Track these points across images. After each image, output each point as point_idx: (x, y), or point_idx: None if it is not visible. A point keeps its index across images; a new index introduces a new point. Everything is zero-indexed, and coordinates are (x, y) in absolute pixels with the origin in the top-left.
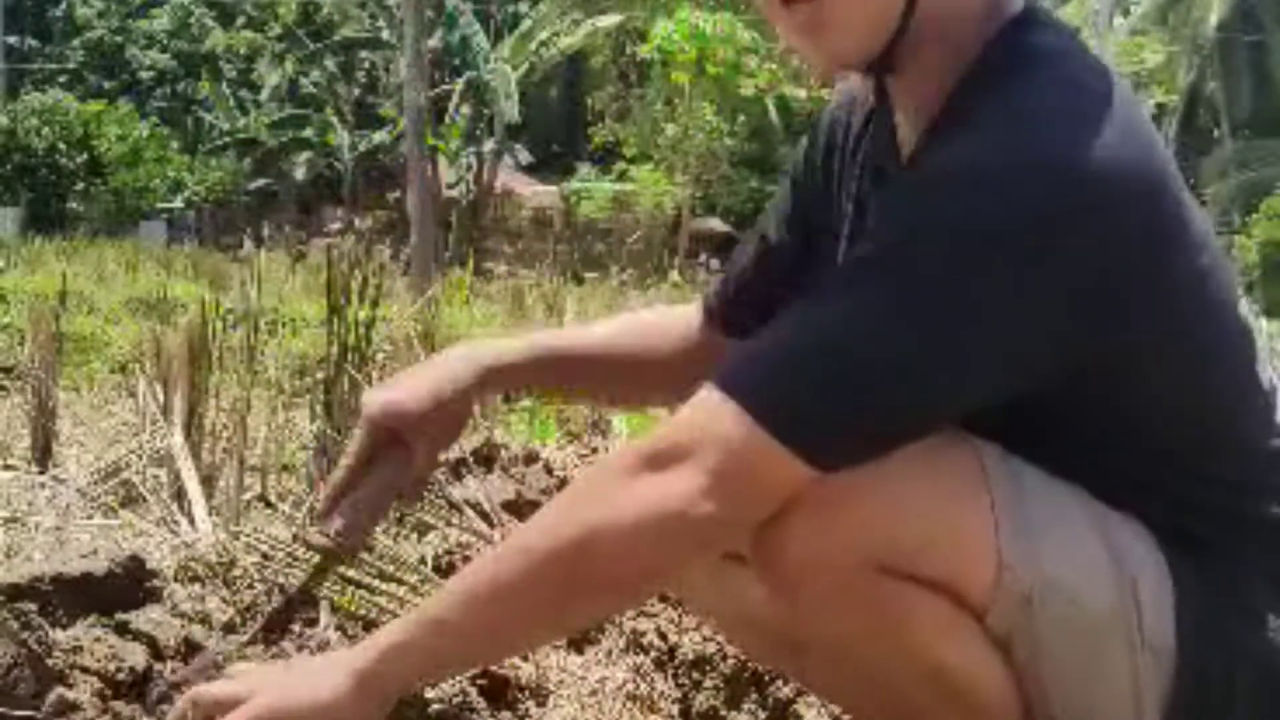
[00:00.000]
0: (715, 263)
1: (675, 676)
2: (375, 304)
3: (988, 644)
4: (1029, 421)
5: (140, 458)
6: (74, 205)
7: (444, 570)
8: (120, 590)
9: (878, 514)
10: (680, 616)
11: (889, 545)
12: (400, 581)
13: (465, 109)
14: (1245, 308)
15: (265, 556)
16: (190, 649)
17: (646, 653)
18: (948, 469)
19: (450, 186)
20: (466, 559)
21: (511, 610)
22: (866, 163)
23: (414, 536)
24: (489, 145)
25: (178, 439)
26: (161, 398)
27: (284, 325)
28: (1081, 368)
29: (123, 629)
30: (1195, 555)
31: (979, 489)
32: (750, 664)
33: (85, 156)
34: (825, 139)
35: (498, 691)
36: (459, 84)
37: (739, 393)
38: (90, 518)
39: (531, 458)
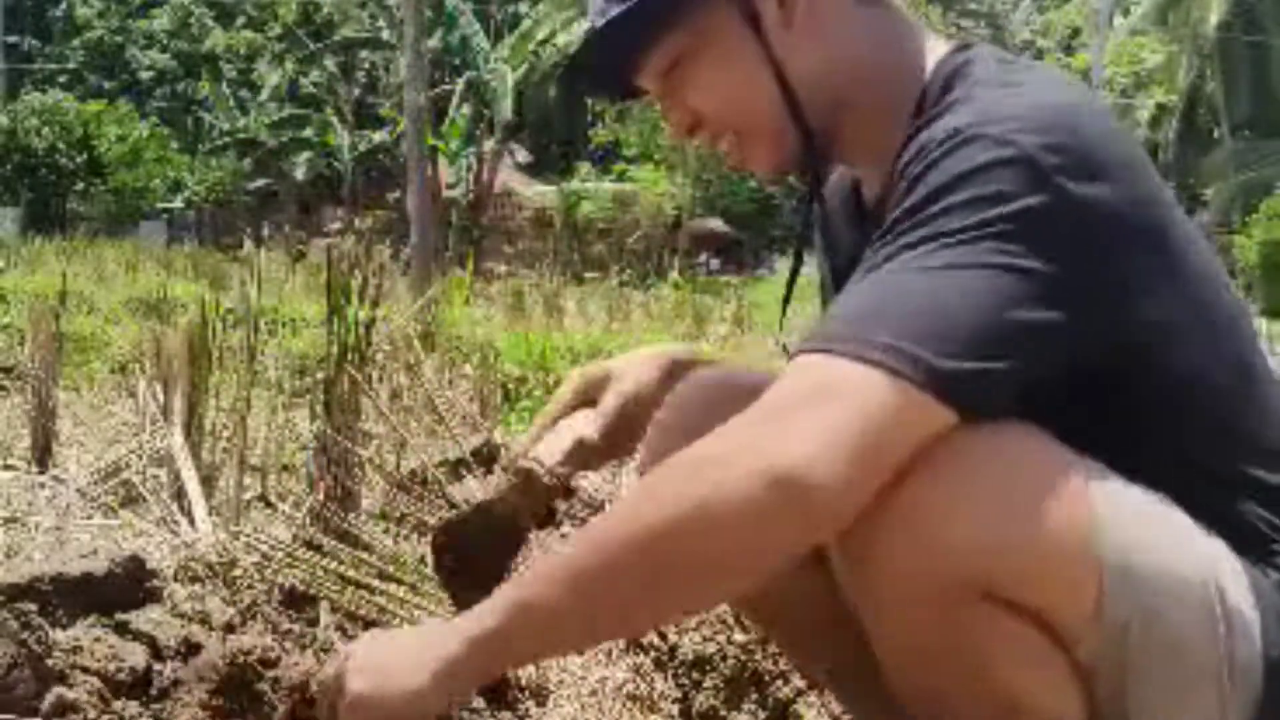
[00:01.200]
0: (715, 263)
1: (675, 676)
2: (375, 304)
3: (1072, 678)
4: (1089, 429)
5: (140, 458)
6: (74, 205)
7: None
8: (120, 590)
9: (986, 535)
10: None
11: (992, 568)
12: (400, 581)
13: (465, 109)
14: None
15: (265, 556)
16: (190, 649)
17: (646, 653)
18: (1057, 491)
19: (450, 186)
20: None
21: (614, 593)
22: (839, 230)
23: (414, 536)
24: (489, 145)
25: (178, 439)
26: (161, 398)
27: (284, 325)
28: (1120, 344)
29: (123, 629)
30: (1256, 559)
31: (1087, 514)
32: (750, 664)
33: (85, 156)
34: (822, 222)
35: (498, 691)
36: (459, 84)
37: (852, 348)
38: (90, 518)
39: None
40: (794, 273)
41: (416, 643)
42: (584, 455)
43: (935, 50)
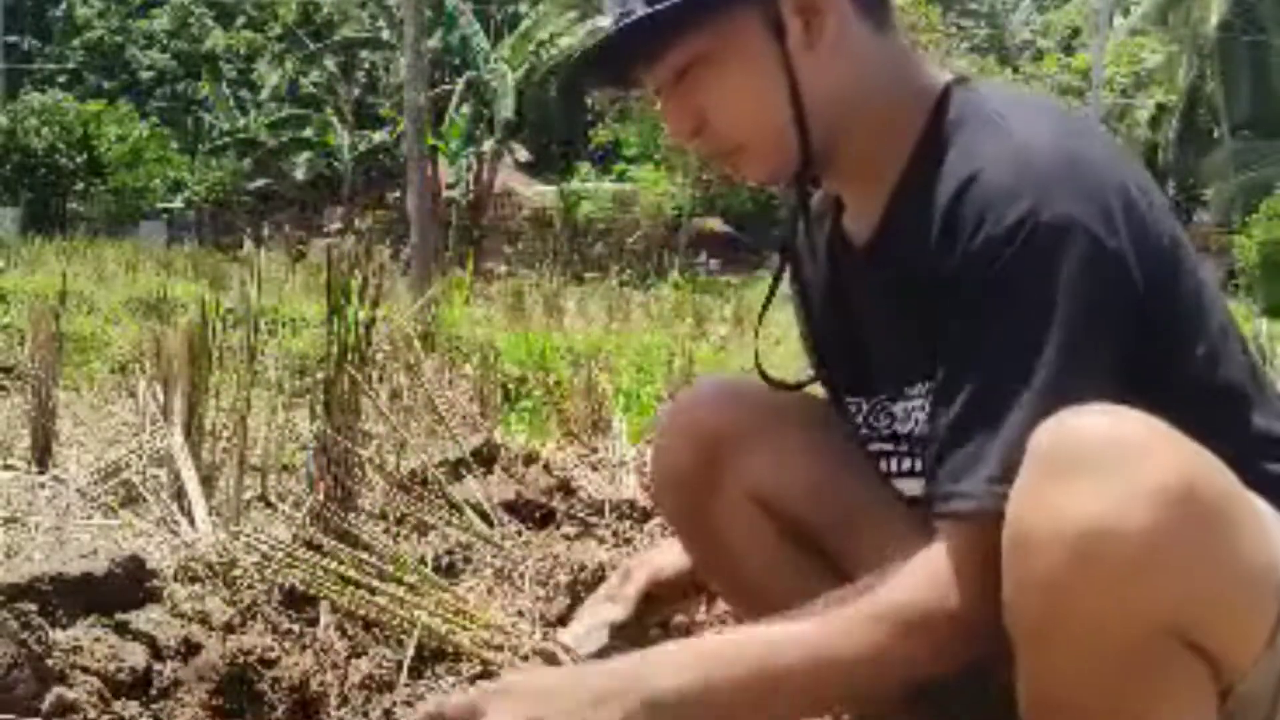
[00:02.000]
0: (715, 263)
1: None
2: (375, 304)
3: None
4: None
5: (140, 458)
6: (74, 205)
7: (444, 570)
8: (120, 590)
9: (1203, 572)
10: None
11: (1199, 608)
12: (400, 581)
13: (465, 109)
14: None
15: (265, 556)
16: (190, 649)
17: None
18: (1251, 519)
19: (450, 186)
20: (466, 559)
21: (788, 697)
22: (817, 252)
23: (414, 536)
24: (489, 145)
25: (178, 439)
26: (161, 398)
27: (284, 325)
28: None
29: (123, 629)
30: None
31: (1267, 545)
32: None
33: (85, 156)
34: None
35: None
36: (459, 84)
37: (980, 506)
38: (90, 518)
39: (531, 458)
40: (774, 284)
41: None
42: (613, 634)
43: (935, 80)
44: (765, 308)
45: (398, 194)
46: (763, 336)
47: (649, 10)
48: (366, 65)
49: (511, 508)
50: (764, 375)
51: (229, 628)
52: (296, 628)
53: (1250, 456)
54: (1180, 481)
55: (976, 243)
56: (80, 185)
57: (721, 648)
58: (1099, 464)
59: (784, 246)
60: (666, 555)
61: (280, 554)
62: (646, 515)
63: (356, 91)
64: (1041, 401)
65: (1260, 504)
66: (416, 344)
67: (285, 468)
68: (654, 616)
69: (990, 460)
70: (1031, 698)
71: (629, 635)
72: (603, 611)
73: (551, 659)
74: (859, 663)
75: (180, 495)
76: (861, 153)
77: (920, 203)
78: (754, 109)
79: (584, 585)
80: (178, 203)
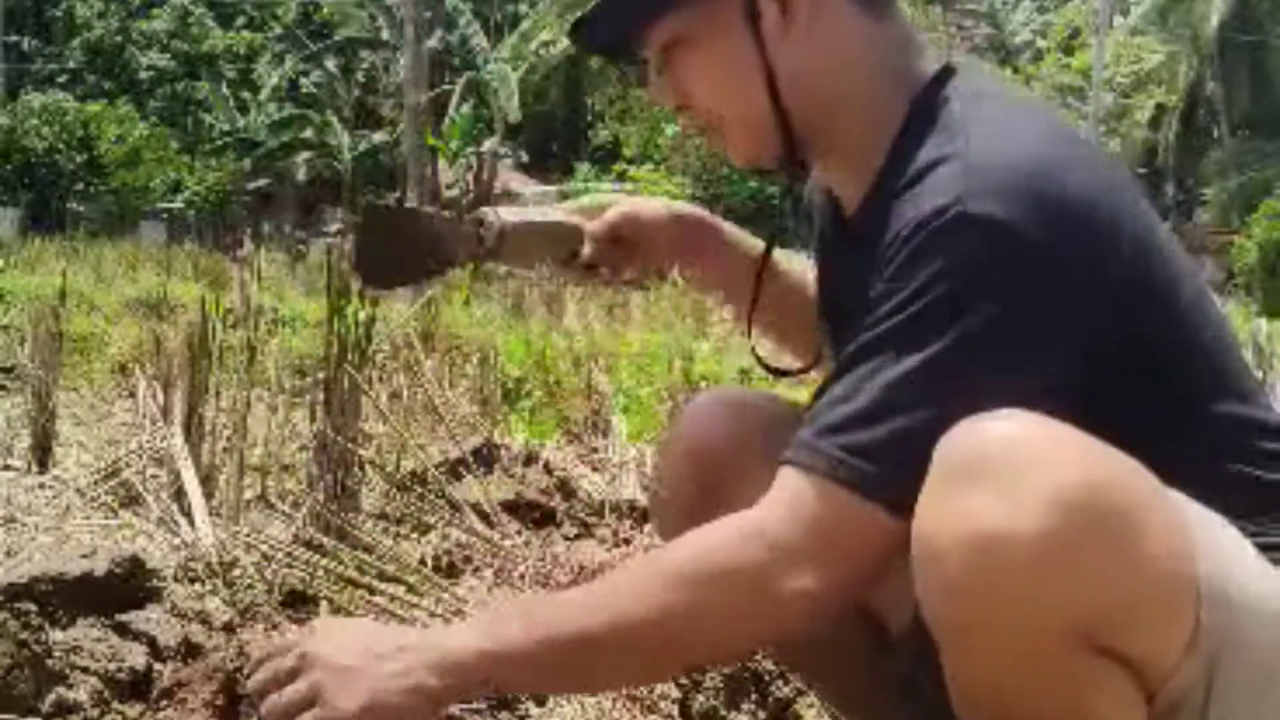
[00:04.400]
0: None
1: (675, 676)
2: (375, 304)
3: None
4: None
5: (140, 458)
6: (74, 205)
7: (444, 570)
8: (120, 590)
9: (1103, 575)
10: None
11: (1105, 610)
12: (400, 581)
13: (465, 109)
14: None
15: (265, 556)
16: (190, 649)
17: None
18: (1163, 523)
19: (450, 186)
20: (466, 559)
21: (591, 664)
22: (828, 229)
23: (414, 536)
24: (489, 145)
25: (178, 439)
26: (161, 398)
27: (284, 325)
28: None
29: (123, 629)
30: None
31: (1188, 544)
32: (750, 664)
33: (85, 156)
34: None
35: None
36: (459, 84)
37: (815, 466)
38: (90, 518)
39: (531, 458)
40: (759, 276)
41: (392, 668)
42: (556, 234)
43: (927, 69)
44: (755, 299)
45: (398, 194)
46: (762, 339)
47: None
48: (366, 65)
49: (511, 508)
50: (762, 363)
51: (229, 628)
52: (296, 628)
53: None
54: (1079, 485)
55: (903, 225)
56: (80, 185)
57: (530, 612)
58: (998, 470)
59: (772, 237)
60: (651, 202)
61: (280, 554)
62: (646, 515)
63: (356, 91)
64: (920, 387)
65: (1191, 511)
66: (416, 344)
67: (285, 468)
68: (608, 258)
69: (844, 429)
70: (959, 702)
71: (571, 240)
72: (564, 215)
73: (478, 223)
74: (652, 626)
75: (180, 495)
76: (847, 138)
77: (890, 190)
78: (731, 91)
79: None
80: (178, 203)
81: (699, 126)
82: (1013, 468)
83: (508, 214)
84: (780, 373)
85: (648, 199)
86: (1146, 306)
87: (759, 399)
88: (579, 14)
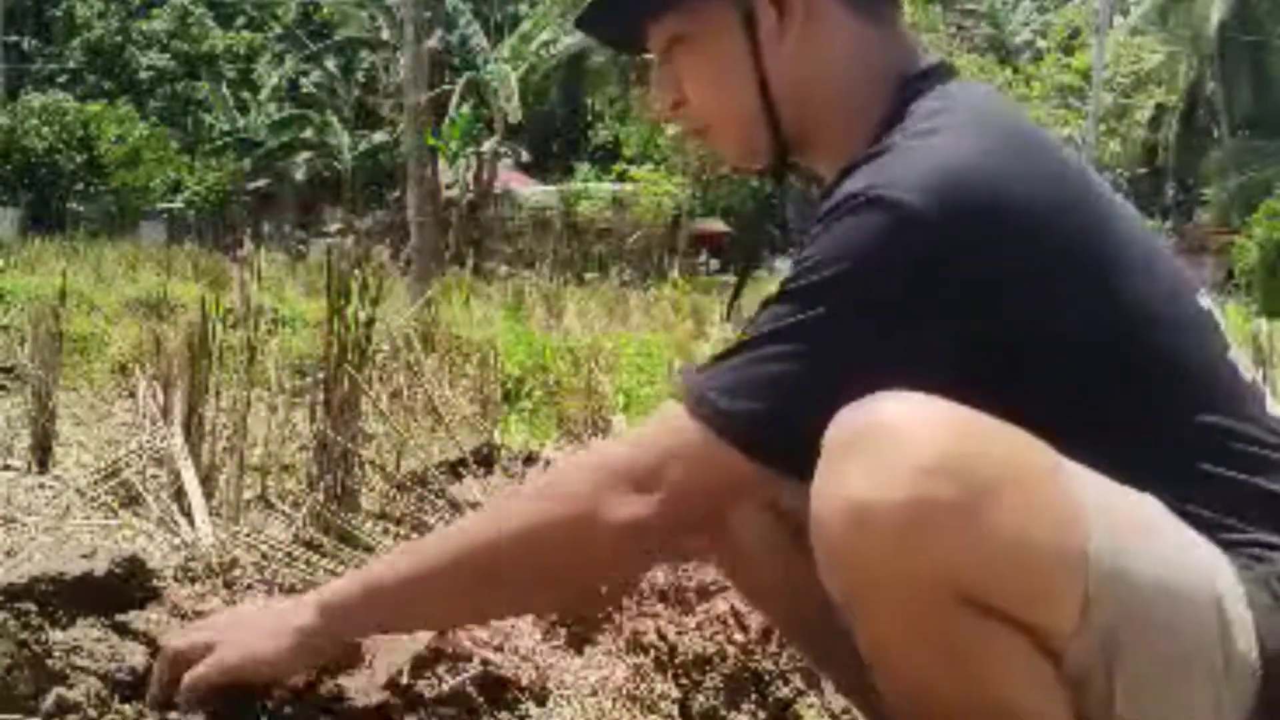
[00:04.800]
0: (715, 263)
1: (675, 676)
2: (375, 304)
3: (1059, 685)
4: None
5: (140, 458)
6: (74, 205)
7: None
8: (120, 590)
9: (973, 541)
10: (680, 616)
11: (978, 576)
12: None
13: (465, 109)
14: (1208, 303)
15: (265, 556)
16: None
17: (646, 653)
18: (1046, 495)
19: (450, 186)
20: None
21: (448, 592)
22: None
23: (414, 536)
24: (489, 145)
25: (177, 439)
26: (161, 398)
27: (284, 325)
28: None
29: (123, 629)
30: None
31: (1076, 517)
32: (750, 664)
33: (85, 156)
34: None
35: (497, 692)
36: (459, 84)
37: (685, 400)
38: (90, 518)
39: (531, 458)
40: (742, 275)
41: (275, 616)
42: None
43: (911, 70)
44: (734, 298)
45: (398, 194)
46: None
47: None
48: (366, 65)
49: None
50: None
51: None
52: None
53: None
54: (947, 455)
55: (828, 205)
56: (80, 185)
57: (396, 554)
58: (874, 444)
59: (744, 270)
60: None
61: (280, 554)
62: None
63: (356, 91)
64: (795, 345)
65: (1097, 488)
66: (416, 344)
67: (285, 468)
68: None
69: (717, 371)
70: (871, 665)
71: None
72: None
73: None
74: (508, 551)
75: (180, 495)
76: (836, 141)
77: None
78: (723, 94)
79: None
80: (178, 203)
81: (693, 127)
82: (885, 441)
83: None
84: None
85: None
86: (1081, 310)
87: None
88: (584, 5)
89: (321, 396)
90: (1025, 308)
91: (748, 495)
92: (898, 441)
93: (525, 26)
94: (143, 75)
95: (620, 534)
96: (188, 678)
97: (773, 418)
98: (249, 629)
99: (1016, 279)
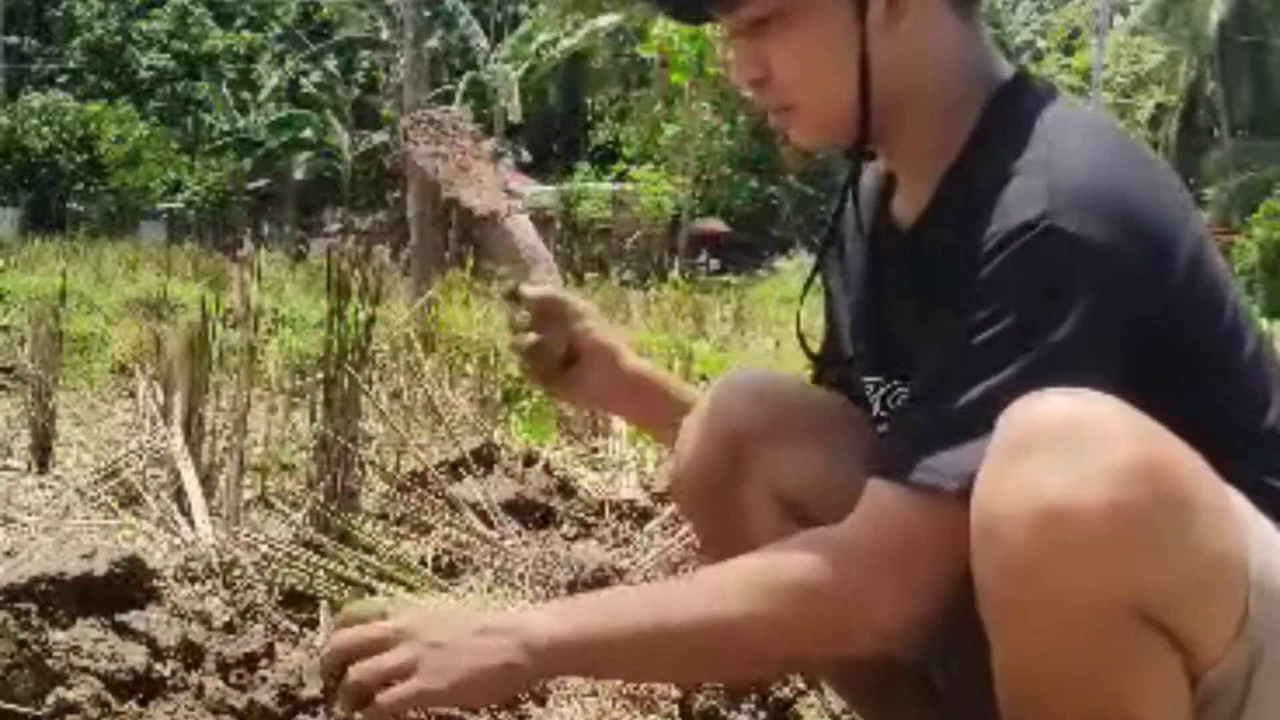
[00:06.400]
0: (715, 263)
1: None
2: (375, 304)
3: (1189, 711)
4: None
5: (140, 458)
6: (74, 205)
7: (444, 570)
8: (120, 590)
9: (1166, 555)
10: None
11: (1163, 590)
12: (400, 581)
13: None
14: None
15: (265, 556)
16: (190, 649)
17: None
18: (1222, 507)
19: None
20: (466, 559)
21: (669, 659)
22: (862, 228)
23: (414, 536)
24: (489, 145)
25: (177, 439)
26: (161, 398)
27: (284, 325)
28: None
29: (123, 629)
30: None
31: (1239, 535)
32: None
33: (85, 156)
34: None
35: None
36: (459, 84)
37: (907, 478)
38: (90, 518)
39: (531, 458)
40: (817, 267)
41: (480, 645)
42: (521, 265)
43: (1001, 74)
44: (808, 286)
45: (398, 194)
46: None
47: None
48: (366, 65)
49: (511, 508)
50: (807, 350)
51: (229, 628)
52: (296, 628)
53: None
54: (1140, 462)
55: (987, 238)
56: (80, 185)
57: (611, 602)
58: (1060, 444)
59: (831, 225)
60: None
61: (280, 554)
62: (646, 515)
63: (356, 91)
64: (1013, 400)
65: (1236, 499)
66: (416, 344)
67: (285, 468)
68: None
69: (937, 441)
70: (1005, 680)
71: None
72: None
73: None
74: (750, 631)
75: (180, 495)
76: (920, 135)
77: (962, 195)
78: (821, 76)
79: (583, 585)
80: (178, 203)
81: (771, 104)
82: (1073, 442)
83: (524, 232)
84: (819, 360)
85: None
86: (1193, 319)
87: (783, 379)
88: None
89: (321, 396)
90: (1174, 320)
91: None
92: (1085, 440)
93: (525, 26)
94: (143, 75)
95: (887, 634)
96: (385, 698)
97: None
98: (452, 654)
99: (1171, 294)
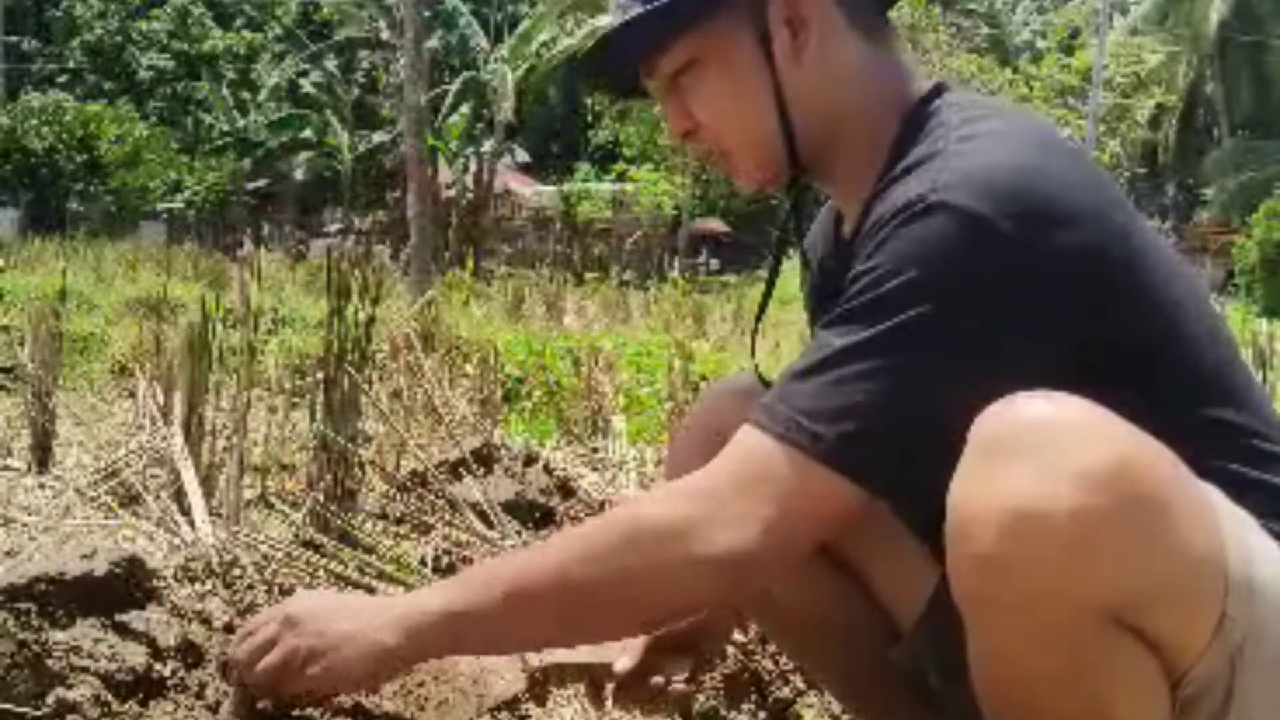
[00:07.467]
0: (715, 263)
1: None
2: (375, 304)
3: (1171, 713)
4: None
5: (140, 458)
6: (74, 205)
7: (444, 570)
8: (120, 590)
9: (1140, 557)
10: None
11: (1137, 592)
12: (400, 582)
13: (465, 109)
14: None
15: (265, 556)
16: (190, 649)
17: None
18: (1195, 506)
19: (449, 187)
20: (466, 559)
21: (542, 623)
22: (815, 255)
23: (414, 536)
24: (488, 145)
25: (177, 439)
26: (161, 398)
27: (284, 325)
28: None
29: (123, 629)
30: None
31: (1215, 532)
32: (750, 664)
33: (85, 156)
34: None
35: None
36: (459, 84)
37: (770, 427)
38: (90, 518)
39: (531, 458)
40: (770, 284)
41: (366, 634)
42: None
43: (916, 91)
44: (762, 309)
45: (398, 194)
46: (762, 338)
47: (643, 9)
48: (366, 65)
49: (511, 508)
50: (761, 378)
51: (229, 628)
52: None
53: (1220, 452)
54: (1113, 464)
55: (881, 214)
56: (80, 185)
57: (486, 571)
58: (1033, 446)
59: (779, 246)
60: None
61: (280, 554)
62: None
63: (356, 91)
64: (880, 360)
65: (1213, 495)
66: (416, 344)
67: (285, 468)
68: (657, 670)
69: (803, 395)
70: (983, 679)
71: (630, 688)
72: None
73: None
74: (604, 586)
75: (180, 495)
76: (852, 160)
77: (877, 203)
78: (740, 116)
79: None
80: (178, 203)
81: (709, 151)
82: (1046, 444)
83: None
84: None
85: None
86: (1127, 308)
87: (771, 381)
88: (582, 54)
89: (321, 396)
90: (1085, 308)
91: (849, 524)
92: (1056, 443)
93: (525, 26)
94: (143, 75)
95: (730, 565)
96: (255, 678)
97: (876, 439)
98: (328, 639)
99: (1077, 280)
